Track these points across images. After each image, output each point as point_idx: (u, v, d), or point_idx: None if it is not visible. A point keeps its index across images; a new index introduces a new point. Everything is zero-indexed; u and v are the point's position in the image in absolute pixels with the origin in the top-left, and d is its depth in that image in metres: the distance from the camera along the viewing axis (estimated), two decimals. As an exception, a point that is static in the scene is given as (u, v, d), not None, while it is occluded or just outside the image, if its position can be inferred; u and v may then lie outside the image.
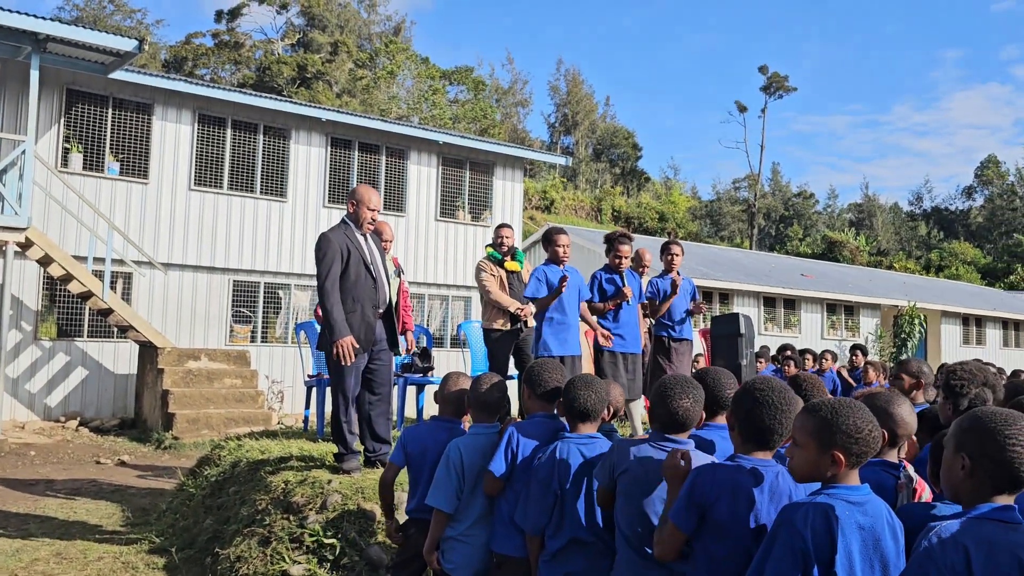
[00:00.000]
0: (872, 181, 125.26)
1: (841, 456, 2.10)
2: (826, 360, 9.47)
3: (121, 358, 12.45)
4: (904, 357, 21.31)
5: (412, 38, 48.00)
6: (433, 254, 15.44)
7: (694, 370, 7.95)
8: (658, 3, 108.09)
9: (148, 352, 11.79)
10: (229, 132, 13.41)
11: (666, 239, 8.03)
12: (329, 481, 4.86)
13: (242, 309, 13.59)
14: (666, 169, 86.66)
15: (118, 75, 11.88)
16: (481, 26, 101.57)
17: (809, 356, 9.51)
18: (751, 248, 46.33)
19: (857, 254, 43.25)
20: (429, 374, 7.54)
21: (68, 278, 11.04)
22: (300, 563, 4.36)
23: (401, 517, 3.79)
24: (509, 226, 7.18)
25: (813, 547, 1.99)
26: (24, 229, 10.45)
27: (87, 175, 12.16)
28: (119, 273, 12.30)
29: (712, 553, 2.36)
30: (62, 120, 12.06)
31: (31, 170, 10.58)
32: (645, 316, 7.16)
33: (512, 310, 6.65)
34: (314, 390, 7.34)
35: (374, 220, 5.25)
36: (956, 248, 49.36)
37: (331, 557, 4.34)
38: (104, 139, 12.37)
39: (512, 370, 6.95)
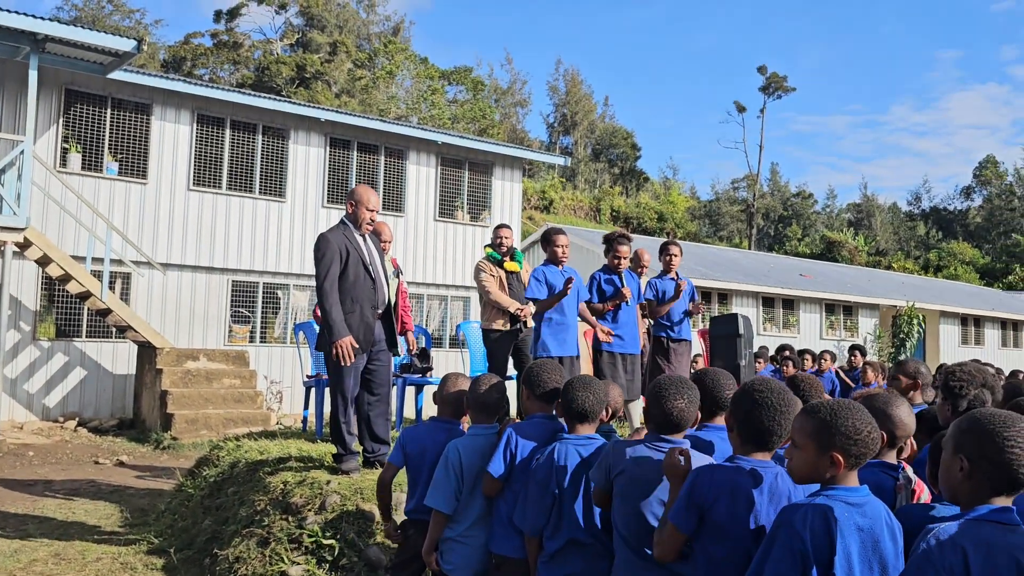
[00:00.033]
0: (871, 181, 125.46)
1: (840, 457, 2.10)
2: (825, 360, 9.47)
3: (120, 358, 12.45)
4: (902, 358, 21.32)
5: (411, 38, 48.03)
6: (432, 254, 15.44)
7: (693, 371, 7.96)
8: (657, 3, 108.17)
9: (147, 352, 11.79)
10: (228, 132, 13.41)
11: (665, 239, 8.02)
12: (328, 482, 4.86)
13: (241, 309, 13.59)
14: (665, 169, 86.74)
15: (117, 75, 11.87)
16: (480, 26, 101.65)
17: (808, 356, 9.52)
18: (750, 248, 46.35)
19: (856, 254, 43.27)
20: (428, 374, 7.54)
21: (67, 278, 11.03)
22: (299, 564, 4.36)
23: (400, 518, 3.79)
24: (508, 226, 7.18)
25: (812, 548, 2.00)
26: (23, 229, 10.44)
27: (86, 175, 12.15)
28: (118, 273, 12.29)
29: (711, 554, 2.36)
30: (61, 120, 12.05)
31: (30, 170, 10.57)
32: (644, 317, 7.16)
33: (512, 310, 6.65)
34: (313, 390, 7.34)
35: (373, 221, 5.25)
36: (955, 248, 49.41)
37: (330, 558, 4.34)
38: (103, 139, 12.36)
39: (511, 371, 6.95)
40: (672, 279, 7.23)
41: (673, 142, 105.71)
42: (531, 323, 6.62)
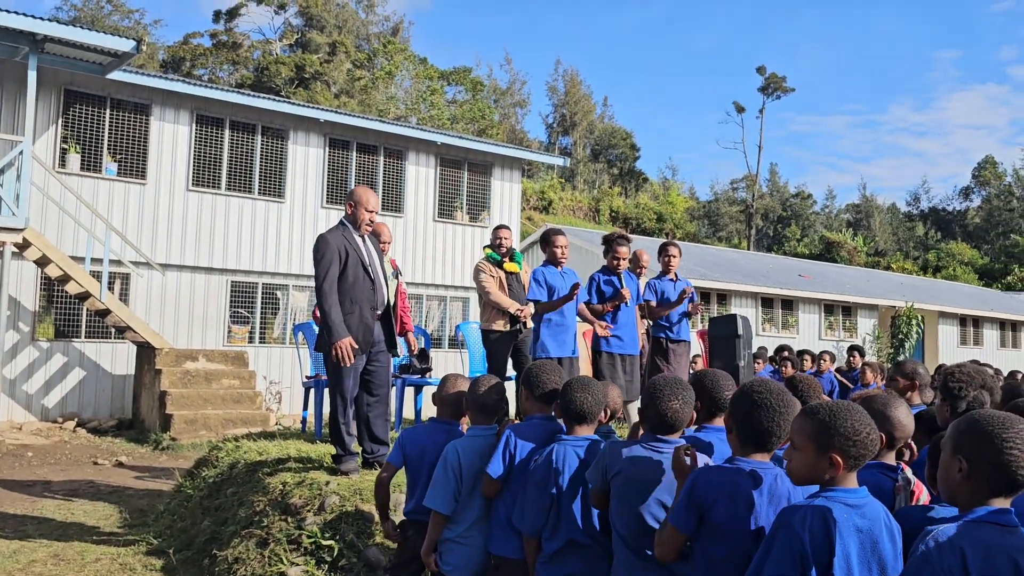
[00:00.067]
0: (870, 181, 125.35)
1: (839, 459, 2.10)
2: (824, 361, 9.47)
3: (119, 359, 12.44)
4: (901, 358, 21.34)
5: (410, 38, 48.03)
6: (431, 255, 15.44)
7: (692, 371, 7.97)
8: (657, 3, 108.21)
9: (146, 353, 11.78)
10: (227, 133, 13.41)
11: (664, 240, 8.03)
12: (327, 482, 4.85)
13: (240, 310, 13.59)
14: (664, 170, 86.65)
15: (116, 75, 11.87)
16: (479, 26, 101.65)
17: (808, 357, 9.52)
18: (749, 249, 46.37)
19: (855, 255, 43.30)
20: (427, 375, 7.54)
21: (66, 279, 11.02)
22: (298, 564, 4.36)
23: (399, 519, 3.79)
24: (507, 227, 7.19)
25: (811, 549, 2.00)
26: (21, 230, 10.44)
27: (85, 175, 12.15)
28: (117, 274, 12.29)
29: (711, 555, 2.36)
30: (60, 120, 12.05)
31: (28, 170, 10.56)
32: (643, 318, 7.16)
33: (512, 311, 6.66)
34: (312, 391, 7.34)
35: (372, 221, 5.25)
36: (953, 249, 49.43)
37: (329, 558, 4.34)
38: (102, 139, 12.36)
39: (510, 371, 6.95)
40: (671, 280, 7.24)
41: (672, 142, 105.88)
42: (530, 324, 6.62)
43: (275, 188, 13.90)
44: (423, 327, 14.13)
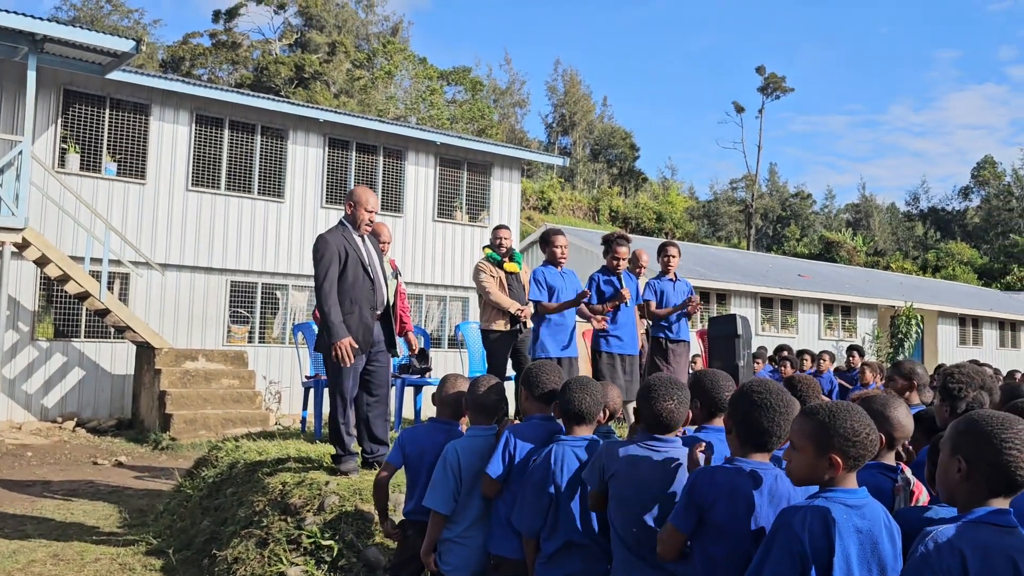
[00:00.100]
0: (869, 181, 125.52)
1: (839, 459, 2.10)
2: (824, 361, 9.47)
3: (118, 359, 12.44)
4: (900, 358, 21.35)
5: (410, 38, 48.00)
6: (431, 255, 15.44)
7: (691, 371, 7.98)
8: (656, 4, 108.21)
9: (145, 353, 11.78)
10: (226, 132, 13.40)
11: (663, 240, 8.03)
12: (327, 482, 4.85)
13: (240, 310, 13.59)
14: (664, 169, 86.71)
15: (115, 75, 11.87)
16: (479, 26, 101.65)
17: (808, 356, 9.51)
18: (748, 248, 46.38)
19: (854, 254, 43.31)
20: (427, 375, 7.54)
21: (65, 279, 11.02)
22: (298, 564, 4.36)
23: (398, 519, 3.79)
24: (507, 227, 7.19)
25: (811, 550, 2.00)
26: (21, 229, 10.44)
27: (84, 175, 12.14)
28: (116, 274, 12.28)
29: (710, 555, 2.37)
30: (59, 120, 12.04)
31: (28, 170, 10.56)
32: (642, 317, 7.16)
33: (512, 311, 6.66)
34: (312, 391, 7.34)
35: (372, 221, 5.25)
36: (953, 248, 49.45)
37: (329, 558, 4.34)
38: (101, 139, 12.35)
39: (510, 371, 6.95)
40: (671, 280, 7.24)
41: (672, 142, 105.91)
42: (530, 324, 6.63)
43: (275, 188, 13.90)
44: (423, 327, 14.13)
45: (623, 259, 6.59)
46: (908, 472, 2.65)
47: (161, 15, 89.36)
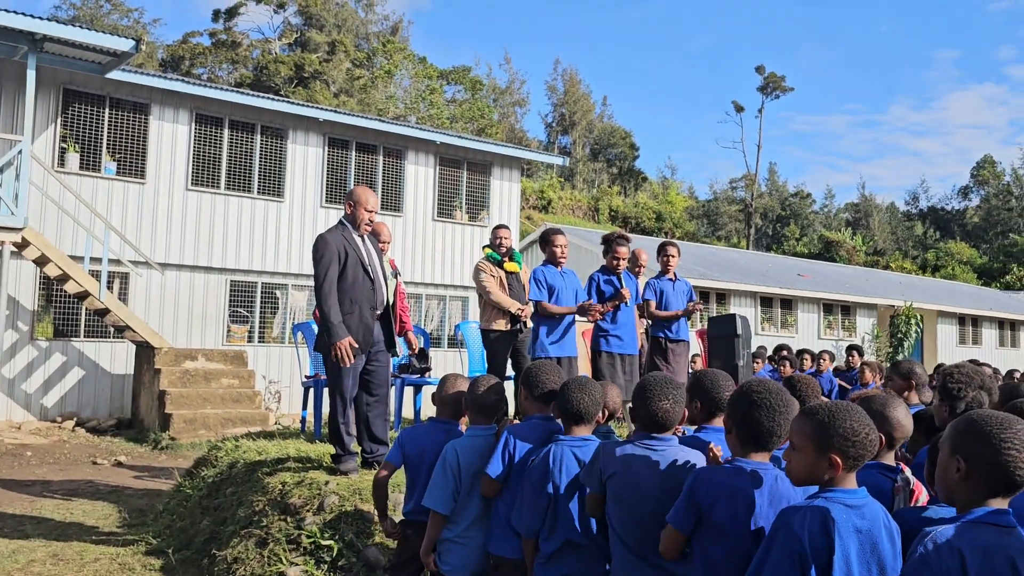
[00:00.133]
0: (869, 181, 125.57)
1: (838, 459, 2.10)
2: (824, 360, 9.47)
3: (118, 358, 12.44)
4: (899, 358, 21.35)
5: (410, 38, 48.00)
6: (431, 254, 15.44)
7: (691, 371, 7.98)
8: (656, 4, 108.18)
9: (145, 352, 11.78)
10: (226, 132, 13.40)
11: (663, 239, 8.03)
12: (326, 482, 4.86)
13: (239, 309, 13.58)
14: (663, 169, 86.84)
15: (115, 75, 11.86)
16: (479, 26, 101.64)
17: (807, 356, 9.51)
18: (748, 248, 46.39)
19: (854, 254, 43.33)
20: (426, 375, 7.54)
21: (65, 278, 11.02)
22: (297, 564, 4.36)
23: (398, 519, 3.79)
24: (507, 227, 7.19)
25: (811, 550, 2.00)
26: (20, 229, 10.43)
27: (84, 175, 12.14)
28: (116, 273, 12.28)
29: (710, 555, 2.37)
30: (59, 120, 12.04)
31: (27, 170, 10.55)
32: (642, 317, 7.16)
33: (513, 311, 6.66)
34: (311, 391, 7.34)
35: (371, 221, 5.25)
36: (952, 248, 49.46)
37: (328, 558, 4.34)
38: (101, 139, 12.35)
39: (509, 371, 6.95)
40: (670, 279, 7.24)
41: (671, 142, 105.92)
42: (530, 324, 6.63)
43: (274, 187, 13.89)
44: (422, 327, 14.13)
45: (623, 259, 6.59)
46: (908, 472, 2.65)
47: (161, 14, 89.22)
